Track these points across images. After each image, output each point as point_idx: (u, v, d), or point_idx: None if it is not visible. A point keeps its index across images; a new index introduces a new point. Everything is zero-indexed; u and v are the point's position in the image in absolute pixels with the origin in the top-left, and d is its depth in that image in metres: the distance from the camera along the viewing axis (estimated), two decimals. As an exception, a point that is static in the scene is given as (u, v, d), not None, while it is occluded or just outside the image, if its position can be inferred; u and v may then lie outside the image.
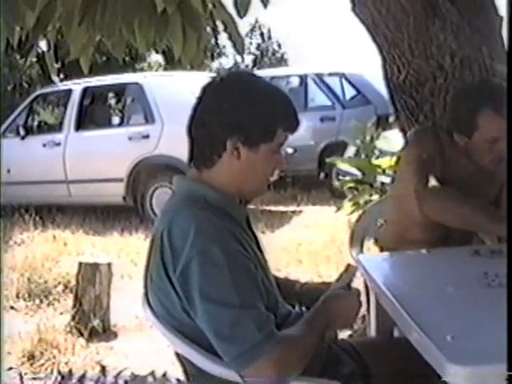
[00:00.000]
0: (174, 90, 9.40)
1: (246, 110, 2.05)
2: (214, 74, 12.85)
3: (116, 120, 11.13)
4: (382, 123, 8.67)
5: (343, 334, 3.42)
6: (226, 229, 2.02)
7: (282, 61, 24.17)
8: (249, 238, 2.14)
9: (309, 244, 7.30)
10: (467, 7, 3.99)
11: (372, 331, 2.86)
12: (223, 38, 17.78)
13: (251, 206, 9.58)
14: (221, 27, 3.38)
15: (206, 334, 1.98)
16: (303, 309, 2.33)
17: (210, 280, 1.95)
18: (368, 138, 5.57)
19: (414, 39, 3.96)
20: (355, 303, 2.17)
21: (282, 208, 9.61)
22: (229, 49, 22.44)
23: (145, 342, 4.68)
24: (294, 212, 9.28)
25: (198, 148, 2.13)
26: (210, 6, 3.03)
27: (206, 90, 2.13)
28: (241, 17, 4.01)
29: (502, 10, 4.18)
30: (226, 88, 2.11)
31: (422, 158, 3.18)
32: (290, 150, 10.08)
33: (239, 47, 3.21)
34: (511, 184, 2.32)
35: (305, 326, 2.07)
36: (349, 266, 2.34)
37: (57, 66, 18.27)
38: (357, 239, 3.59)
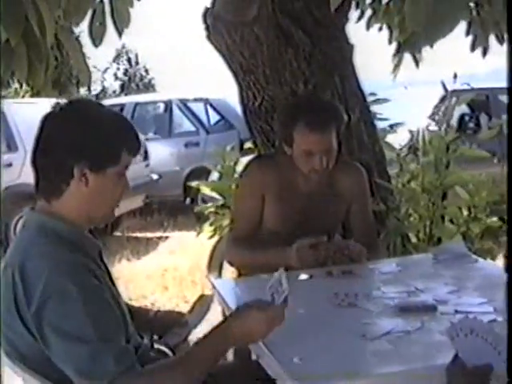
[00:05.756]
0: (37, 118, 9.15)
1: (89, 135, 2.05)
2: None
3: (-23, 148, 10.78)
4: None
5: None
6: (79, 263, 2.01)
7: (149, 86, 24.02)
8: (102, 272, 2.13)
9: (174, 270, 7.27)
10: (319, 36, 4.12)
11: (230, 355, 2.88)
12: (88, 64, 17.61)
13: (117, 234, 9.53)
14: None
15: (58, 370, 1.96)
16: (155, 337, 2.33)
17: (66, 317, 1.93)
18: (227, 163, 5.62)
19: (268, 66, 4.05)
20: (259, 319, 2.07)
21: (148, 234, 9.53)
22: (95, 75, 22.15)
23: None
24: (160, 238, 9.22)
25: (45, 178, 2.11)
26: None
27: (47, 119, 2.13)
28: (96, 46, 4.00)
29: (353, 40, 4.35)
30: (68, 116, 2.11)
31: (250, 196, 3.28)
32: (155, 177, 10.05)
33: (83, 78, 3.19)
34: (511, 184, 2.38)
35: (186, 353, 2.07)
36: (202, 296, 2.38)
37: None
38: (215, 263, 3.62)
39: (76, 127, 2.06)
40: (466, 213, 4.60)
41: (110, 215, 2.20)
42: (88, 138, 2.05)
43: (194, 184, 6.67)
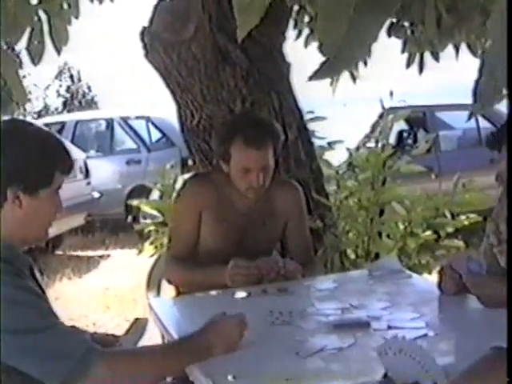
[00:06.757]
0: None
1: (22, 158, 2.05)
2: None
3: None
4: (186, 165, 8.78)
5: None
6: (12, 271, 2.01)
7: (92, 103, 23.85)
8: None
9: (116, 288, 7.23)
10: (256, 54, 4.16)
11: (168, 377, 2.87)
12: (30, 81, 17.43)
13: (59, 252, 9.42)
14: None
15: None
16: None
17: (16, 316, 1.94)
18: (167, 181, 5.63)
19: (205, 85, 4.07)
20: (234, 329, 2.25)
21: (90, 253, 9.46)
22: (37, 92, 21.91)
23: None
24: (101, 256, 9.15)
25: None
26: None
27: None
28: (35, 64, 3.99)
29: (291, 58, 4.40)
30: (1, 138, 2.09)
31: (187, 214, 3.28)
32: (96, 195, 9.97)
33: (19, 98, 3.16)
34: (511, 185, 2.40)
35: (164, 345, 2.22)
36: (137, 319, 2.38)
37: None
38: (153, 282, 3.60)
39: (8, 149, 2.05)
40: (402, 228, 4.66)
41: (43, 236, 2.21)
42: (20, 160, 2.05)
43: (134, 203, 6.64)
